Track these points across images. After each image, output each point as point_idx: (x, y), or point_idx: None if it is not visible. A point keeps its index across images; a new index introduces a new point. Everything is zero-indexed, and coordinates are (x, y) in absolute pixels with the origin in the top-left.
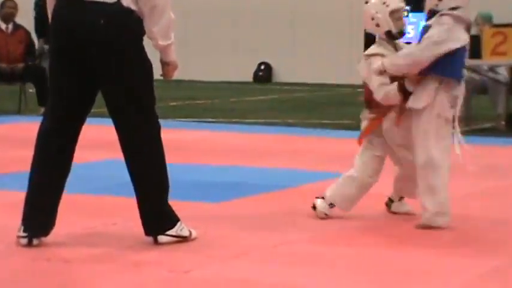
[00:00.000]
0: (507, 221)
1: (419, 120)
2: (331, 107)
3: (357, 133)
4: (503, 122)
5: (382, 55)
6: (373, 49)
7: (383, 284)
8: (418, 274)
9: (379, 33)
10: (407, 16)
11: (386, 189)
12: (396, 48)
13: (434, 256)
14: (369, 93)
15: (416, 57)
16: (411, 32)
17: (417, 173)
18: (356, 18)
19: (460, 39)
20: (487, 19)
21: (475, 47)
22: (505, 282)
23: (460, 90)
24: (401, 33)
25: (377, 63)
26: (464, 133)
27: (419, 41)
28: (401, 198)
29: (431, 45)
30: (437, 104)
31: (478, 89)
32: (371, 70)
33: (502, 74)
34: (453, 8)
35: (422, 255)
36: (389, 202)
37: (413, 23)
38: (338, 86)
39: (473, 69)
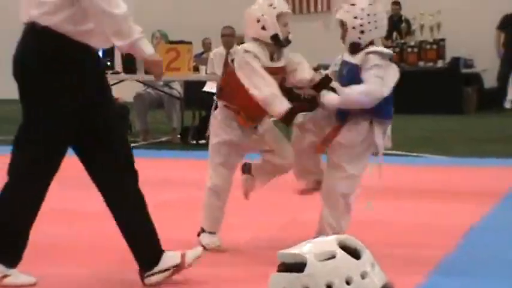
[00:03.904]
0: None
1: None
2: None
3: None
4: (178, 136)
5: (256, 56)
6: (250, 46)
7: None
8: None
9: (263, 37)
10: None
11: None
12: (273, 56)
13: None
14: (226, 82)
15: (377, 95)
16: None
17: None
18: None
19: (395, 76)
20: (164, 36)
21: None
22: None
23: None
24: (288, 41)
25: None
26: (143, 146)
27: (345, 79)
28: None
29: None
30: (369, 138)
31: (155, 104)
32: (242, 66)
33: (176, 89)
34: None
35: None
36: None
37: None
38: None
39: (149, 85)
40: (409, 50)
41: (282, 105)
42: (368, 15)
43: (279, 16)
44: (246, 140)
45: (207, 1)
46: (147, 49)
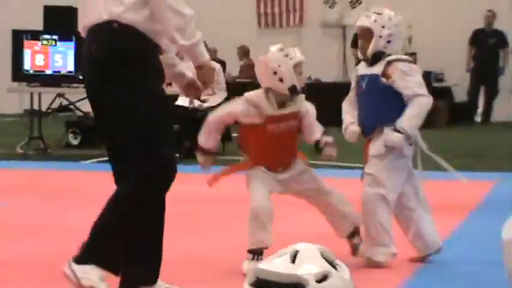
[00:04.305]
0: None
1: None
2: None
3: None
4: None
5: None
6: (253, 95)
7: None
8: None
9: (280, 89)
10: (55, 45)
11: None
12: (284, 104)
13: None
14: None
15: (428, 106)
16: (59, 61)
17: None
18: None
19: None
20: None
21: None
22: None
23: None
24: (303, 89)
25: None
26: None
27: (366, 92)
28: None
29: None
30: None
31: None
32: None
33: None
34: (406, 53)
35: None
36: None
37: (62, 52)
38: None
39: None
40: None
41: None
42: (395, 25)
43: (295, 66)
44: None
45: None
46: (205, 54)
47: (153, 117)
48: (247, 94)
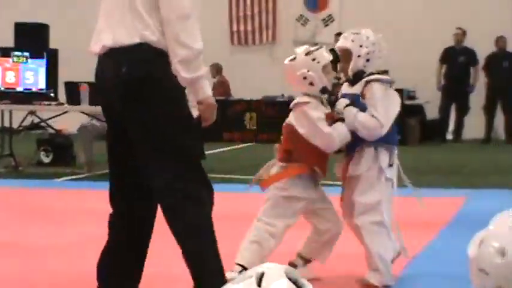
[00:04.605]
0: None
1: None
2: None
3: None
4: None
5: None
6: (304, 98)
7: None
8: None
9: (313, 92)
10: (26, 62)
11: None
12: (322, 101)
13: None
14: (291, 142)
15: (376, 133)
16: (30, 78)
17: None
18: None
19: (398, 103)
20: None
21: (95, 94)
22: None
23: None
24: (333, 86)
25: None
26: (87, 178)
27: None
28: (307, 262)
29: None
30: (377, 166)
31: (100, 135)
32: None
33: None
34: (379, 72)
35: None
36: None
37: (33, 69)
38: None
39: (93, 116)
40: None
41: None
42: (373, 44)
43: (324, 68)
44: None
45: None
46: (207, 90)
47: (191, 136)
48: (300, 99)
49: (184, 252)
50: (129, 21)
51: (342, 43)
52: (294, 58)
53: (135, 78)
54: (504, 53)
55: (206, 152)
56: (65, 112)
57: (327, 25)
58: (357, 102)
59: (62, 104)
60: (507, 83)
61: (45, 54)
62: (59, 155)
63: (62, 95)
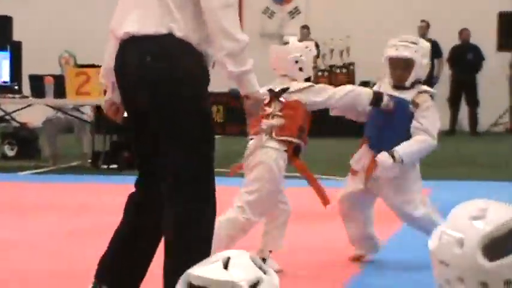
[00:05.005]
0: None
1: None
2: None
3: None
4: (89, 160)
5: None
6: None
7: None
8: None
9: (297, 78)
10: None
11: None
12: None
13: None
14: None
15: (431, 148)
16: None
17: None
18: None
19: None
20: (72, 56)
21: (60, 87)
22: None
23: None
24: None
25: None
26: (52, 171)
27: (395, 115)
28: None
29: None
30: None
31: (65, 128)
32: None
33: (87, 113)
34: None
35: None
36: None
37: None
38: None
39: (58, 109)
40: (320, 73)
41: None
42: (425, 53)
43: (312, 59)
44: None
45: None
46: (255, 84)
47: (207, 132)
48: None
49: (166, 244)
50: (157, 12)
51: (404, 53)
52: (285, 43)
53: (159, 68)
54: (468, 45)
55: None
56: (30, 105)
57: (293, 17)
58: (404, 107)
59: (27, 97)
60: (471, 75)
61: (8, 46)
62: (23, 148)
63: (26, 88)
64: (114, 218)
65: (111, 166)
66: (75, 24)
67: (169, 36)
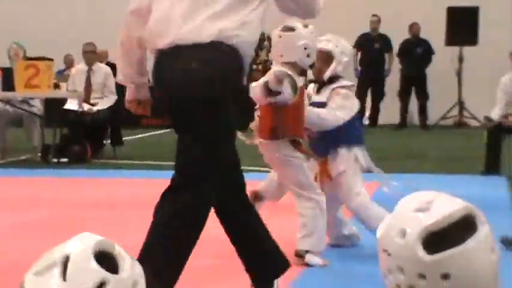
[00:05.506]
0: None
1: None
2: None
3: None
4: (39, 154)
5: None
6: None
7: None
8: None
9: (303, 64)
10: None
11: None
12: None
13: None
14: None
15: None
16: None
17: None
18: None
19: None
20: (21, 48)
21: (8, 79)
22: None
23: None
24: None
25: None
26: (1, 165)
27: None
28: (259, 199)
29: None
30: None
31: (14, 121)
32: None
33: (37, 106)
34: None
35: None
36: None
37: None
38: None
39: (7, 102)
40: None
41: None
42: (345, 51)
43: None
44: None
45: (70, 16)
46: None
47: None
48: (283, 70)
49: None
50: (203, 13)
51: (326, 46)
52: (291, 29)
53: (203, 78)
54: (417, 40)
55: (124, 139)
56: None
57: None
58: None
59: None
60: (420, 69)
61: None
62: None
63: None
64: (64, 211)
65: (61, 160)
66: (24, 16)
67: (215, 43)
